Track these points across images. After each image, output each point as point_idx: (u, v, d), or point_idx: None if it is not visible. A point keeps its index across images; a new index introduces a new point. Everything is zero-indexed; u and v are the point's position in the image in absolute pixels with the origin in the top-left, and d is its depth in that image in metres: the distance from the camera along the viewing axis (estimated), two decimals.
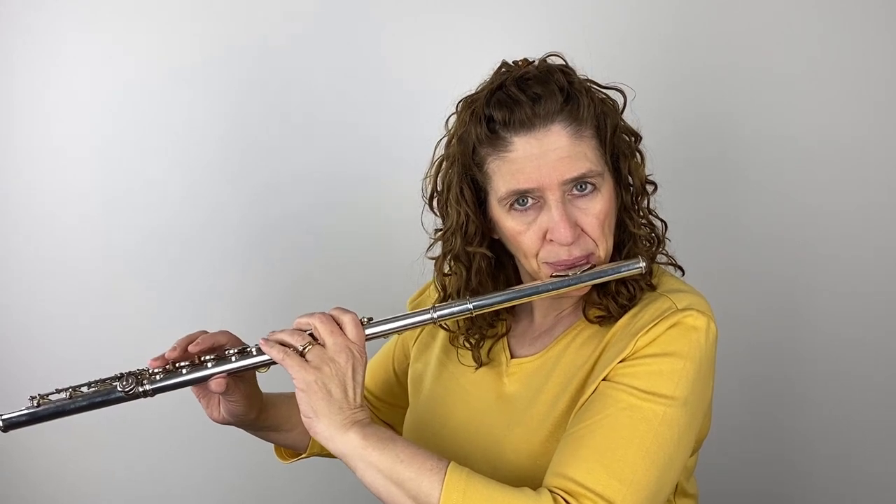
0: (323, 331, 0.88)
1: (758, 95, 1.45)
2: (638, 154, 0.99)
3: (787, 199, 1.48)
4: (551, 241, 0.92)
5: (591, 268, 0.93)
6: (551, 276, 0.94)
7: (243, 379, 0.97)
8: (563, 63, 0.96)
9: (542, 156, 0.90)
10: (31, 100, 1.58)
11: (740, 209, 1.51)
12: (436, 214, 1.04)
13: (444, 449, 1.00)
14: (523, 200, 0.92)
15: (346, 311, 0.90)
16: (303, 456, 1.15)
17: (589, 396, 0.89)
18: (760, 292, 1.53)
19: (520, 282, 1.05)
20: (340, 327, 0.89)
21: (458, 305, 0.94)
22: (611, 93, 0.98)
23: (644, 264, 0.93)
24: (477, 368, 1.05)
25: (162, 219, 1.62)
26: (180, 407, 1.58)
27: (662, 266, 1.03)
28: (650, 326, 0.90)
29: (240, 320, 1.57)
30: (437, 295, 1.16)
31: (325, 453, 1.15)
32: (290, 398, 1.11)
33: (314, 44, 1.53)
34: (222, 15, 1.53)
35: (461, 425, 1.03)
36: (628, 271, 0.93)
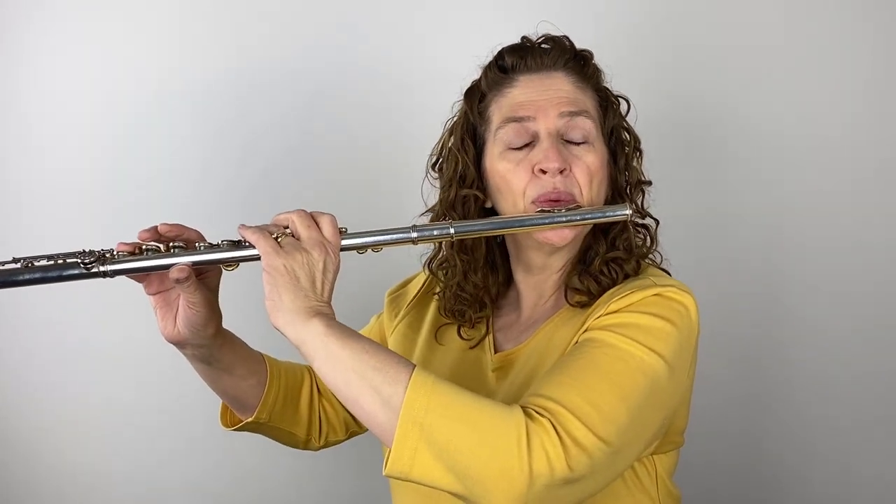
0: (300, 224, 0.86)
1: (746, 91, 1.48)
2: (637, 152, 1.03)
3: (775, 196, 1.48)
4: (540, 172, 0.94)
5: (576, 208, 0.93)
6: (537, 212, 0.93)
7: (207, 285, 0.92)
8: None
9: (542, 91, 0.96)
10: (32, 100, 1.59)
11: (727, 206, 1.51)
12: (434, 178, 1.06)
13: None
14: (518, 143, 0.96)
15: (324, 213, 0.89)
16: (248, 420, 1.04)
17: None
18: (748, 292, 1.49)
19: (506, 254, 1.06)
20: (318, 226, 0.87)
21: (440, 228, 0.91)
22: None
23: (630, 211, 0.92)
24: (470, 348, 1.03)
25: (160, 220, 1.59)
26: (179, 410, 1.61)
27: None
28: (629, 292, 0.88)
29: (237, 322, 1.56)
30: (418, 288, 1.14)
31: (273, 423, 1.07)
32: (250, 348, 1.05)
33: (313, 41, 1.56)
34: (220, 15, 1.56)
35: None
36: (613, 216, 0.93)
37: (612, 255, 0.96)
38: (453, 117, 1.06)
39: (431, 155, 1.07)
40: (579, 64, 0.99)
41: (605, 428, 0.76)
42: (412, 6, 1.54)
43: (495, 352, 1.02)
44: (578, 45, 1.02)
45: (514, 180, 0.95)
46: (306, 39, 1.56)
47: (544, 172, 0.93)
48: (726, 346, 1.49)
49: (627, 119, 1.04)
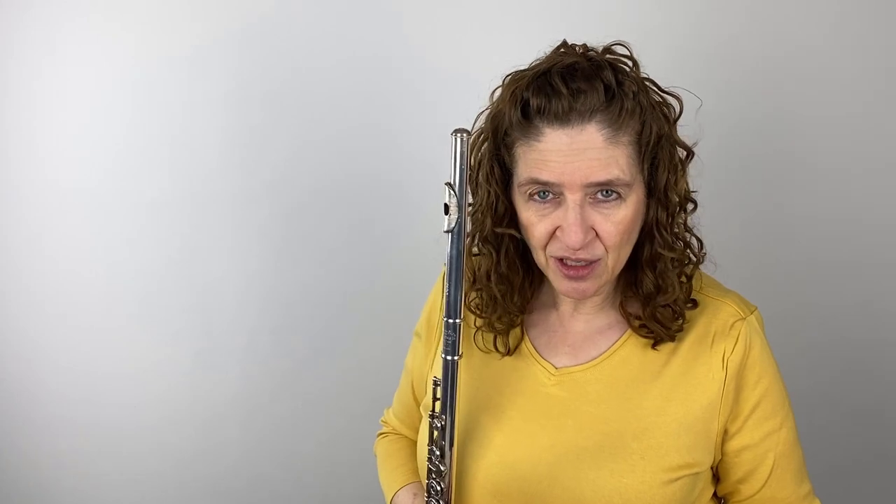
0: None
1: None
2: (681, 168, 0.93)
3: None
4: (560, 237, 0.89)
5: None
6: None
7: None
8: (627, 54, 0.93)
9: (570, 153, 0.86)
10: (29, 99, 1.59)
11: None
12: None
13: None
14: (543, 193, 0.89)
15: None
16: None
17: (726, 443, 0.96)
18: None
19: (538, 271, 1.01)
20: None
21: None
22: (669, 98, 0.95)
23: None
24: (503, 356, 1.01)
25: (163, 216, 1.60)
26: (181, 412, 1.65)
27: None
28: (745, 355, 0.94)
29: (240, 319, 1.63)
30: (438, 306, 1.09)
31: None
32: None
33: (327, 26, 1.51)
34: (222, 14, 1.53)
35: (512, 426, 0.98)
36: None
37: (663, 300, 0.94)
38: (485, 112, 0.96)
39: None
40: (616, 109, 0.87)
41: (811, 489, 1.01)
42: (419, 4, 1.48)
43: (546, 361, 0.99)
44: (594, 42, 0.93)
45: (535, 233, 0.91)
46: (311, 38, 1.52)
47: None
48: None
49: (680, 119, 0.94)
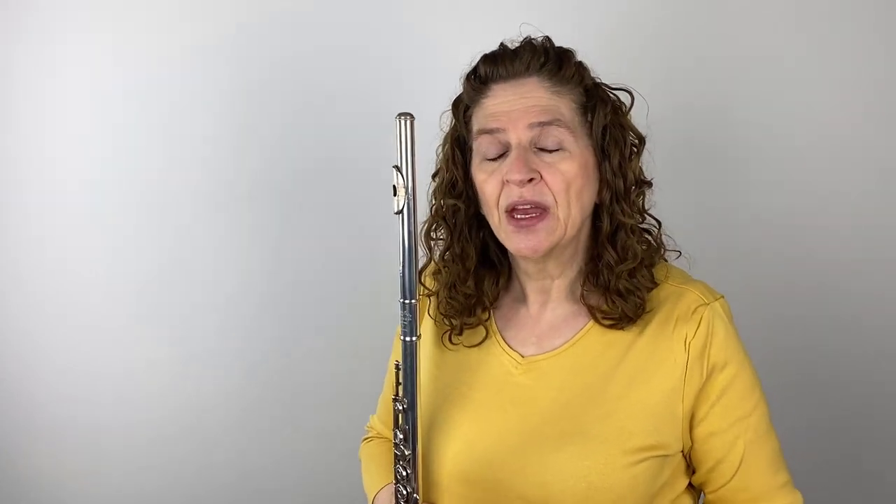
0: None
1: (759, 85, 1.44)
2: (635, 149, 1.00)
3: (788, 194, 1.46)
4: (507, 182, 0.93)
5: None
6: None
7: None
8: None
9: (515, 100, 0.94)
10: (29, 99, 1.60)
11: (740, 204, 1.48)
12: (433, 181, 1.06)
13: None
14: (492, 152, 0.95)
15: None
16: None
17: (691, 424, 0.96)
18: (760, 290, 1.47)
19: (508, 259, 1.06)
20: None
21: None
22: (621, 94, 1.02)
23: None
24: (470, 346, 1.03)
25: (162, 216, 1.62)
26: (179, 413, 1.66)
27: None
28: (707, 339, 0.94)
29: (240, 318, 1.65)
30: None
31: None
32: None
33: (326, 20, 1.53)
34: (224, 9, 1.54)
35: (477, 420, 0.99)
36: None
37: (625, 266, 0.96)
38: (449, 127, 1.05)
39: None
40: (556, 66, 0.95)
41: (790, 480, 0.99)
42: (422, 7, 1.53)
43: (514, 351, 1.01)
44: (582, 44, 1.00)
45: (487, 191, 0.95)
46: (315, 38, 1.55)
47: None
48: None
49: (631, 112, 1.01)
